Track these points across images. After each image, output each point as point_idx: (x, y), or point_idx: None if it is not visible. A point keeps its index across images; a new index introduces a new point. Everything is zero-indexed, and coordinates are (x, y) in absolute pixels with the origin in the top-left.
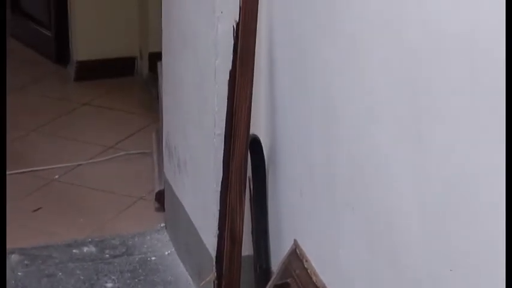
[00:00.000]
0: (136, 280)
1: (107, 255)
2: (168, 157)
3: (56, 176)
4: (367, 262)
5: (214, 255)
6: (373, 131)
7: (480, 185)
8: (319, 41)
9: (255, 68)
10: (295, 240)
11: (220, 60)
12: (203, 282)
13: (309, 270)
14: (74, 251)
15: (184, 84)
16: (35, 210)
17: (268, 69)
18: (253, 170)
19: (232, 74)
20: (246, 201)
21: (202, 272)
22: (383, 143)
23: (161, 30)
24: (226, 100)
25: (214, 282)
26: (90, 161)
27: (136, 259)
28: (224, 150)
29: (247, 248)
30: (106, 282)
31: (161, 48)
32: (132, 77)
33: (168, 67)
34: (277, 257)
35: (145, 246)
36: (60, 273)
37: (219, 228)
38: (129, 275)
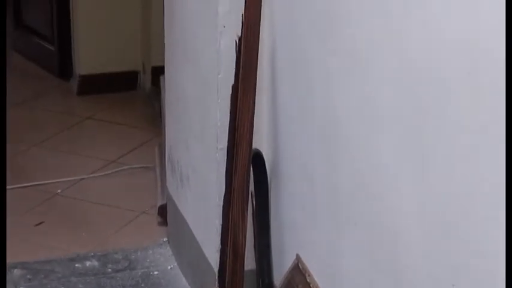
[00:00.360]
0: None
1: (110, 270)
2: (170, 171)
3: (59, 191)
4: (370, 277)
5: (217, 269)
6: (375, 145)
7: (481, 200)
8: (321, 55)
9: (257, 82)
10: (297, 255)
11: (223, 75)
12: None
13: (311, 285)
14: (77, 265)
15: (187, 99)
16: (37, 225)
17: (270, 83)
18: (256, 184)
19: (235, 88)
20: (248, 215)
21: (205, 286)
22: (385, 157)
23: (164, 44)
24: (229, 114)
25: None
26: (92, 175)
27: (139, 273)
28: (227, 164)
29: (249, 263)
30: None
31: (164, 62)
32: (135, 91)
33: (170, 81)
34: (280, 272)
35: (148, 260)
36: None
37: (221, 243)
38: None
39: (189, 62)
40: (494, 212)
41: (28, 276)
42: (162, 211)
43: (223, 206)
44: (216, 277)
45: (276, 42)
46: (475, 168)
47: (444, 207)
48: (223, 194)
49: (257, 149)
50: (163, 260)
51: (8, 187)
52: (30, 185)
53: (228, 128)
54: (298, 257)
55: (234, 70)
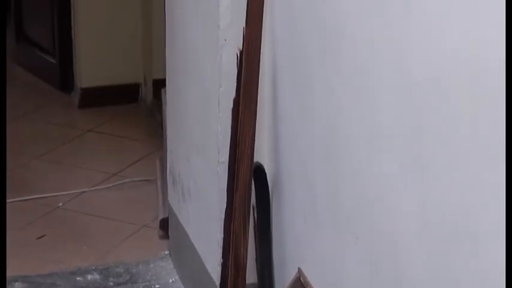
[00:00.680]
0: None
1: (111, 283)
2: (172, 185)
3: (60, 204)
4: None
5: (219, 283)
6: (377, 160)
7: (482, 216)
8: (323, 68)
9: (258, 96)
10: (299, 269)
11: (224, 88)
12: None
13: None
14: (78, 278)
15: (188, 112)
16: (38, 238)
17: (271, 96)
18: (257, 197)
19: (236, 101)
20: (250, 229)
21: None
22: (387, 171)
23: (165, 57)
24: (230, 128)
25: None
26: (93, 188)
27: (141, 287)
28: (228, 177)
29: (251, 276)
30: None
31: (165, 75)
32: (136, 104)
33: (172, 94)
34: (282, 285)
35: (150, 274)
36: None
37: (223, 256)
38: None
39: (190, 75)
40: (496, 233)
41: None
42: (164, 224)
43: (225, 220)
44: None
45: (277, 55)
46: (476, 180)
47: (446, 219)
48: (225, 207)
49: (258, 162)
50: (164, 273)
51: (8, 200)
52: (31, 198)
53: (229, 141)
54: (299, 271)
55: (235, 83)
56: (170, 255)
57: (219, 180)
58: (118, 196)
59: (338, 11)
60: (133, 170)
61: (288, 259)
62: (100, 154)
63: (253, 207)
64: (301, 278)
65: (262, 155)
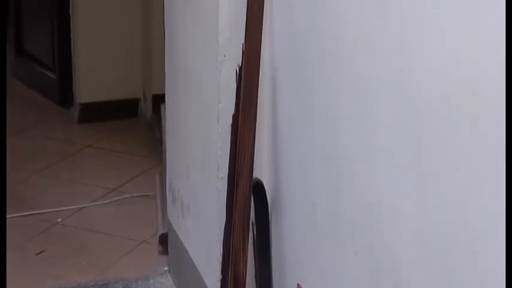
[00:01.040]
0: None
1: None
2: (171, 200)
3: (59, 219)
4: None
5: None
6: (377, 175)
7: (482, 231)
8: (323, 82)
9: (257, 112)
10: (298, 285)
11: (224, 104)
12: None
13: None
14: None
15: (187, 127)
16: (37, 254)
17: (271, 112)
18: (257, 213)
19: (235, 117)
20: (249, 245)
21: None
22: (387, 186)
23: (164, 72)
24: (230, 144)
25: None
26: (93, 203)
27: None
28: (227, 193)
29: None
30: None
31: (165, 90)
32: (136, 119)
33: (171, 109)
34: None
35: None
36: None
37: (222, 273)
38: None
39: (190, 90)
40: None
41: None
42: (163, 240)
43: (224, 236)
44: None
45: (277, 71)
46: (478, 197)
47: (446, 236)
48: (224, 223)
49: (258, 178)
50: None
51: (8, 216)
52: (31, 214)
53: (228, 157)
54: (299, 287)
55: (234, 99)
56: (169, 271)
57: (218, 195)
58: (117, 212)
59: (337, 14)
60: (132, 185)
61: (287, 275)
62: (99, 169)
63: (252, 223)
64: None
65: (262, 170)
